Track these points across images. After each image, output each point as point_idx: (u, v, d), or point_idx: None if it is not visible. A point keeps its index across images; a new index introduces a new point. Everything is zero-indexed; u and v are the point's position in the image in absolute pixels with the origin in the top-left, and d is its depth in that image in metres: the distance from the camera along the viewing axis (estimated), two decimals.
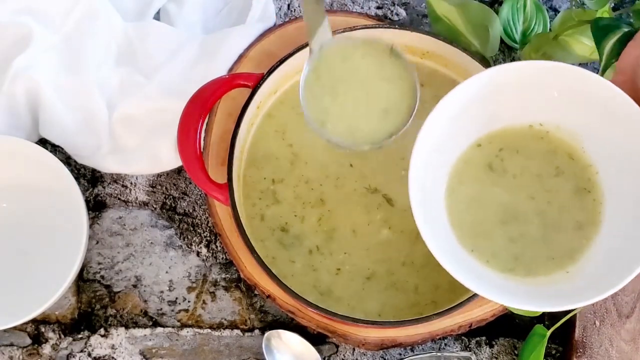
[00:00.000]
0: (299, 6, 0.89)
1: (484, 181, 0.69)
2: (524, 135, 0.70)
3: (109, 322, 0.83)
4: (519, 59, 0.86)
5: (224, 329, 0.83)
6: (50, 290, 0.77)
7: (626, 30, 0.66)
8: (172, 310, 0.83)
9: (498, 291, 0.64)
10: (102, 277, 0.84)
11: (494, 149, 0.70)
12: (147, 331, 0.83)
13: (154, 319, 0.83)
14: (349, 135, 0.70)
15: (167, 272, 0.84)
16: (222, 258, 0.84)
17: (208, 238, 0.84)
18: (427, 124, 0.65)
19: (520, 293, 0.66)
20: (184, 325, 0.83)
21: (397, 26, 0.83)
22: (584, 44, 0.80)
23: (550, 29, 0.85)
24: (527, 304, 0.63)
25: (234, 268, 0.84)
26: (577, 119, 0.68)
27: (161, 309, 0.83)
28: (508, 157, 0.70)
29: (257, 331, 0.83)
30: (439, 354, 0.79)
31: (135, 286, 0.84)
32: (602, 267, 0.65)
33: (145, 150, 0.83)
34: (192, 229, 0.85)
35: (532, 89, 0.67)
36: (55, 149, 0.86)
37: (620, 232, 0.66)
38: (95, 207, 0.85)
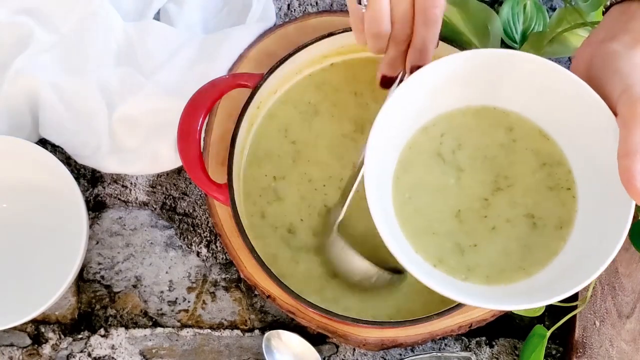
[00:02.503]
0: (299, 6, 0.89)
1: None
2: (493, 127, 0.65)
3: (109, 323, 0.83)
4: None
5: (224, 329, 0.83)
6: (50, 290, 0.77)
7: None
8: (172, 311, 0.83)
9: (450, 288, 0.58)
10: (102, 277, 0.84)
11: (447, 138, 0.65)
12: (147, 331, 0.83)
13: (154, 319, 0.83)
14: None
15: (167, 273, 0.84)
16: (222, 258, 0.84)
17: (208, 238, 0.84)
18: (393, 100, 0.60)
19: (473, 292, 0.60)
20: (184, 326, 0.83)
21: None
22: (581, 37, 0.80)
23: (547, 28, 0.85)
24: (483, 303, 0.58)
25: (234, 268, 0.83)
26: (552, 117, 0.64)
27: (161, 309, 0.83)
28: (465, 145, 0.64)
29: (257, 331, 0.83)
30: (439, 354, 0.79)
31: (135, 286, 0.84)
32: (564, 271, 0.60)
33: (145, 150, 0.83)
34: (192, 229, 0.85)
35: (498, 73, 0.63)
36: (55, 149, 0.86)
37: (588, 234, 0.61)
38: (95, 207, 0.85)
